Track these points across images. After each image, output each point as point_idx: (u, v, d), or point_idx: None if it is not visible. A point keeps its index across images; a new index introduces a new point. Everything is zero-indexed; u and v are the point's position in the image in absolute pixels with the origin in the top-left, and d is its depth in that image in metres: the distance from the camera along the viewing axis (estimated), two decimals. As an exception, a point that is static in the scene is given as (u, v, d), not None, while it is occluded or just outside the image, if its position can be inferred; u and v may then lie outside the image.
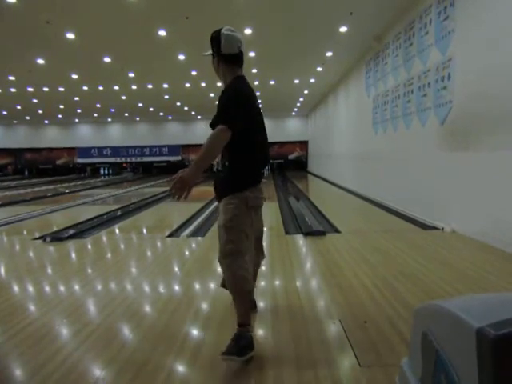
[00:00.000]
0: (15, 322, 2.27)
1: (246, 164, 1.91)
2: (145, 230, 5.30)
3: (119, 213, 6.80)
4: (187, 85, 11.72)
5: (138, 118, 20.39)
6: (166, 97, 13.91)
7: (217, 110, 1.84)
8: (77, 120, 20.61)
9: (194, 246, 4.18)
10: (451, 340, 0.80)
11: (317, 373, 1.66)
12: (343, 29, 6.96)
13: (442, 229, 4.50)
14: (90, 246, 4.28)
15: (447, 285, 2.71)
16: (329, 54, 8.68)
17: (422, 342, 0.95)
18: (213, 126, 1.82)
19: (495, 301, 0.89)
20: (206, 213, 6.22)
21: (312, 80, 11.52)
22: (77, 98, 13.87)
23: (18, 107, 15.94)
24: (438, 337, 0.86)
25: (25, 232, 5.27)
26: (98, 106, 16.04)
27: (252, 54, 8.35)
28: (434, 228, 4.62)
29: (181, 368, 1.76)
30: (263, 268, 3.22)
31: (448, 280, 2.81)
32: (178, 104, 15.91)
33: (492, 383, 0.63)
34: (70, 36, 7.09)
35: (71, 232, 4.84)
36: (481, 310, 0.79)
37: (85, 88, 12.02)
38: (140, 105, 15.89)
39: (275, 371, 1.70)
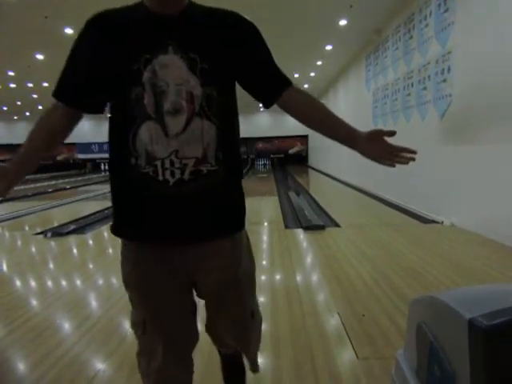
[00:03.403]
0: (17, 315, 2.29)
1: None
2: (145, 225, 5.31)
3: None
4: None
5: (137, 114, 20.34)
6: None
7: (252, 52, 1.02)
8: (77, 115, 20.56)
9: (194, 240, 4.20)
10: (445, 331, 0.81)
11: (314, 365, 1.67)
12: (343, 22, 6.92)
13: (442, 222, 4.51)
14: (90, 241, 4.30)
15: (446, 278, 2.72)
16: (329, 47, 8.64)
17: (417, 334, 0.96)
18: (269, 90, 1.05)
19: (489, 292, 0.90)
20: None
21: (312, 74, 11.46)
22: (76, 94, 13.85)
23: (18, 103, 15.92)
24: (432, 328, 0.87)
25: (26, 227, 5.29)
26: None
27: (251, 48, 8.31)
28: (434, 222, 4.62)
29: (180, 361, 1.78)
30: (263, 262, 3.23)
31: (447, 274, 2.82)
32: (178, 99, 15.86)
33: (483, 373, 0.64)
34: (69, 31, 7.05)
35: (72, 227, 4.85)
36: (474, 300, 0.80)
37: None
38: (140, 100, 15.86)
39: (273, 363, 1.71)
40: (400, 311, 2.16)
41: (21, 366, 1.78)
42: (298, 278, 2.83)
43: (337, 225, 4.68)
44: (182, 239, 0.97)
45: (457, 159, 4.41)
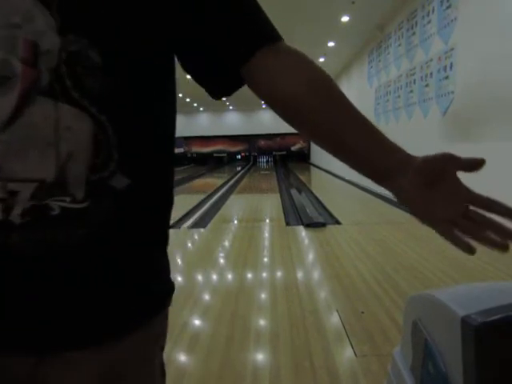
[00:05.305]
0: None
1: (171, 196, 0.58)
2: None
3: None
4: (189, 76, 11.67)
5: (140, 110, 20.36)
6: (168, 88, 13.88)
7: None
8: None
9: (195, 237, 4.21)
10: (439, 328, 0.81)
11: (313, 362, 1.67)
12: (345, 18, 6.89)
13: (443, 220, 4.50)
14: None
15: (447, 277, 2.72)
16: (331, 44, 8.61)
17: (412, 331, 0.96)
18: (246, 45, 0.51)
19: (486, 290, 0.90)
20: (207, 205, 6.24)
21: (314, 71, 11.44)
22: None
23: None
24: (427, 325, 0.87)
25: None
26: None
27: (253, 45, 8.30)
28: (435, 219, 4.61)
29: (178, 356, 1.78)
30: (264, 259, 3.24)
31: (447, 272, 2.82)
32: (180, 95, 15.86)
33: (475, 371, 0.64)
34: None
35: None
36: (469, 298, 0.80)
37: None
38: (142, 97, 15.87)
39: (272, 360, 1.72)
40: (399, 309, 2.16)
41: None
42: (298, 275, 2.84)
43: (338, 222, 4.68)
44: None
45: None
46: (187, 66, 0.57)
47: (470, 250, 0.48)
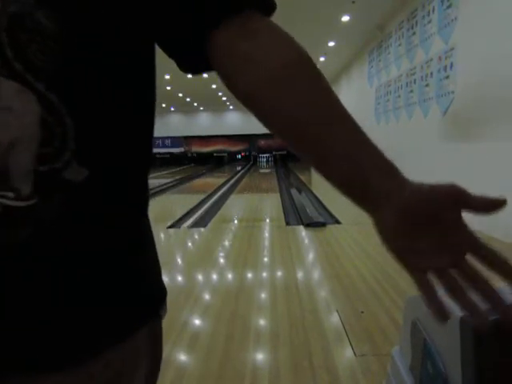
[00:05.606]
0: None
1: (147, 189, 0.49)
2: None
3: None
4: (189, 76, 11.66)
5: (140, 110, 20.36)
6: (168, 88, 13.88)
7: None
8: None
9: (195, 236, 4.21)
10: (438, 329, 0.81)
11: (312, 362, 1.68)
12: (345, 18, 6.89)
13: (443, 220, 4.50)
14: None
15: (446, 275, 2.72)
16: (331, 43, 8.60)
17: (411, 331, 0.96)
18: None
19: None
20: (207, 205, 6.24)
21: (314, 70, 11.44)
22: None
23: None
24: (427, 325, 0.87)
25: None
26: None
27: (254, 45, 8.29)
28: (435, 219, 4.61)
29: (178, 356, 1.79)
30: (264, 259, 3.24)
31: (447, 271, 2.82)
32: (180, 95, 15.87)
33: (474, 372, 0.64)
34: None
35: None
36: (468, 299, 0.80)
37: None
38: (142, 96, 15.86)
39: (271, 360, 1.72)
40: (399, 309, 2.16)
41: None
42: (298, 274, 2.84)
43: (338, 222, 4.68)
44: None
45: (458, 155, 4.39)
46: (154, 33, 0.46)
47: (444, 320, 0.39)
